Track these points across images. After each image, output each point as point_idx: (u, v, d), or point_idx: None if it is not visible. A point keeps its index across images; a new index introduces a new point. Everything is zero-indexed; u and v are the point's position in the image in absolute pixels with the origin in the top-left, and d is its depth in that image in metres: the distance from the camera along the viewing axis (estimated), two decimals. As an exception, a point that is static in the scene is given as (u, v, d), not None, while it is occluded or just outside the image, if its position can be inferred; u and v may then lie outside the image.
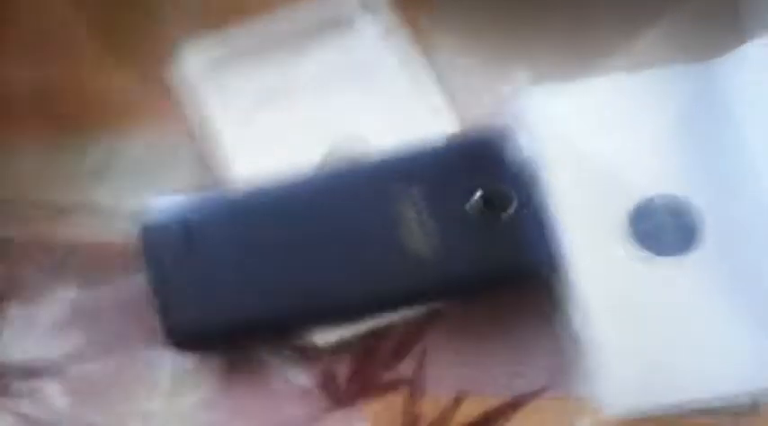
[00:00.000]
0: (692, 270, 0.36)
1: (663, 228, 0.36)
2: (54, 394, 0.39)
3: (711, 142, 0.36)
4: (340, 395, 0.37)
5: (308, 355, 0.38)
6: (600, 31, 0.39)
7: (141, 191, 0.39)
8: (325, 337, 0.37)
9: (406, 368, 0.37)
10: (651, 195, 0.36)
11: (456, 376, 0.37)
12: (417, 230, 0.35)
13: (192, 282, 0.36)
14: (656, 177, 0.37)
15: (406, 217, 0.35)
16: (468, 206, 0.35)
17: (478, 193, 0.35)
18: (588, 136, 0.37)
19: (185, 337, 0.36)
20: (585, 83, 0.38)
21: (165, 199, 0.37)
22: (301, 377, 0.38)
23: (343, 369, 0.38)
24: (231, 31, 0.40)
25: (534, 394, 0.37)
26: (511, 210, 0.35)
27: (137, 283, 0.38)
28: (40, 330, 0.39)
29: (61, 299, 0.39)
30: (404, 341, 0.38)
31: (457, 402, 0.37)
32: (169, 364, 0.39)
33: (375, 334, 0.37)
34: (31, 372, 0.39)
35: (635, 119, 0.37)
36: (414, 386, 0.37)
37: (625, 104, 0.37)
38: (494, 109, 0.39)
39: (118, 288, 0.39)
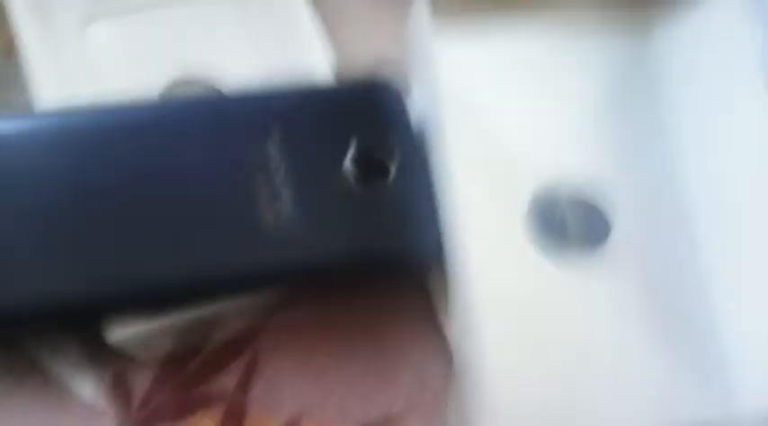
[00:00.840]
0: (599, 277, 0.29)
1: (568, 224, 0.30)
2: None
3: (636, 124, 0.31)
4: (134, 414, 0.29)
5: (97, 357, 0.29)
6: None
7: None
8: (120, 331, 0.27)
9: (227, 380, 0.29)
10: (558, 181, 0.30)
11: (292, 393, 0.29)
12: (266, 191, 0.27)
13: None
14: (566, 159, 0.30)
15: (255, 174, 0.27)
16: (337, 168, 0.27)
17: (352, 152, 0.27)
18: (496, 97, 0.30)
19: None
20: (499, 26, 0.30)
21: None
22: (85, 388, 0.29)
23: (141, 378, 0.29)
24: None
25: (389, 422, 0.29)
26: (391, 178, 0.27)
27: None
28: None
29: None
30: (229, 344, 0.30)
31: (289, 429, 0.29)
32: None
33: (190, 331, 0.29)
34: None
35: (552, 86, 0.31)
36: (234, 405, 0.29)
37: (544, 64, 0.31)
38: (382, 49, 0.32)
39: None
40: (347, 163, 0.27)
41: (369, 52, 0.32)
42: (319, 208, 0.27)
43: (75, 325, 0.28)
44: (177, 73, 0.31)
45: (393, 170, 0.27)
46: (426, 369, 0.30)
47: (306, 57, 0.31)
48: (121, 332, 0.27)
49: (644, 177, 0.30)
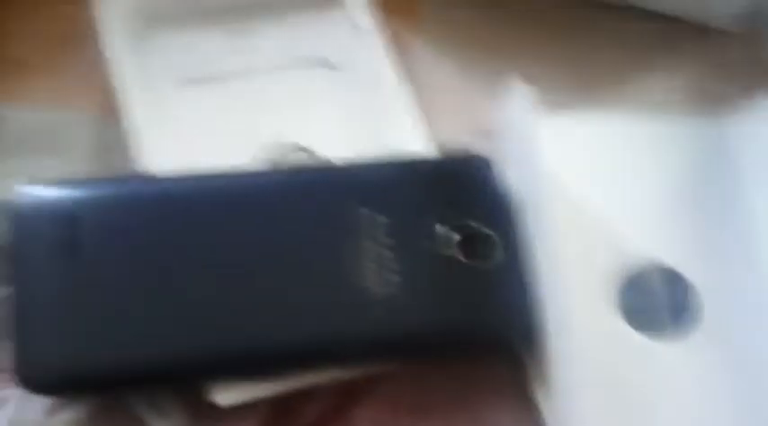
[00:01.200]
0: (685, 355, 0.30)
1: (658, 301, 0.30)
2: None
3: (718, 210, 0.32)
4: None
5: (203, 417, 0.29)
6: (608, 56, 0.35)
7: (17, 174, 0.30)
8: (228, 395, 0.28)
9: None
10: (646, 264, 0.30)
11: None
12: (371, 266, 0.28)
13: (69, 303, 0.27)
14: (655, 238, 0.31)
15: (360, 248, 0.28)
16: (437, 242, 0.28)
17: (451, 227, 0.28)
18: (587, 179, 0.31)
19: (45, 377, 0.27)
20: (591, 114, 0.32)
21: (45, 188, 0.28)
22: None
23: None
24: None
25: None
26: (490, 253, 0.29)
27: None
28: None
29: None
30: (327, 411, 0.30)
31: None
32: (11, 411, 0.29)
33: (292, 398, 0.29)
34: None
35: (640, 170, 0.32)
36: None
37: (631, 149, 0.33)
38: (476, 131, 0.33)
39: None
40: (447, 238, 0.28)
41: (458, 124, 0.33)
42: (421, 281, 0.28)
43: (188, 385, 0.29)
44: (268, 139, 0.32)
45: (492, 245, 0.29)
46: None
47: (398, 130, 0.32)
48: (229, 396, 0.28)
49: (727, 261, 0.31)
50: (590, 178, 0.32)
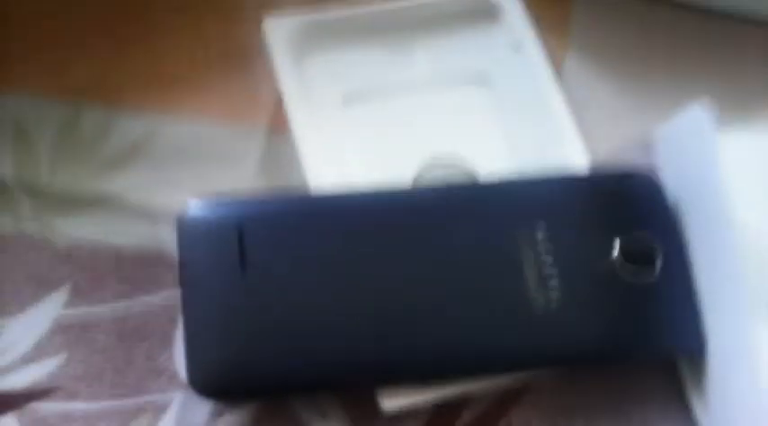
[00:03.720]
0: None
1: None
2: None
3: None
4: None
5: (365, 421, 0.30)
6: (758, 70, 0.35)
7: (181, 188, 0.32)
8: (393, 401, 0.29)
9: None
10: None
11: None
12: (535, 279, 0.28)
13: (238, 312, 0.28)
14: None
15: (524, 261, 0.29)
16: (601, 257, 0.29)
17: (617, 244, 0.29)
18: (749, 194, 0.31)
19: (218, 383, 0.28)
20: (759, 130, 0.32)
21: (214, 201, 0.30)
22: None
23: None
24: (332, 7, 0.34)
25: None
26: (653, 271, 0.29)
27: (156, 303, 0.31)
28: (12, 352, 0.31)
29: (44, 315, 0.31)
30: (481, 417, 0.31)
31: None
32: (177, 412, 0.30)
33: (450, 405, 0.30)
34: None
35: None
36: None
37: None
38: (634, 147, 0.33)
39: (127, 306, 0.31)
40: (613, 254, 0.29)
41: (614, 140, 0.34)
42: (584, 296, 0.28)
43: (355, 390, 0.30)
44: (427, 155, 0.33)
45: (657, 262, 0.29)
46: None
47: (557, 147, 0.32)
48: (392, 401, 0.29)
49: None
50: (750, 194, 0.32)
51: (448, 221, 0.29)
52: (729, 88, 0.35)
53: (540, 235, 0.29)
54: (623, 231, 0.29)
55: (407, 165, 0.32)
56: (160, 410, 0.30)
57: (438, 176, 0.32)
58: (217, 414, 0.30)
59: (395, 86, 0.34)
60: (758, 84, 0.35)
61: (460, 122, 0.34)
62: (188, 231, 0.29)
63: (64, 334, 0.31)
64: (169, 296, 0.31)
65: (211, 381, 0.28)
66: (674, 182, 0.31)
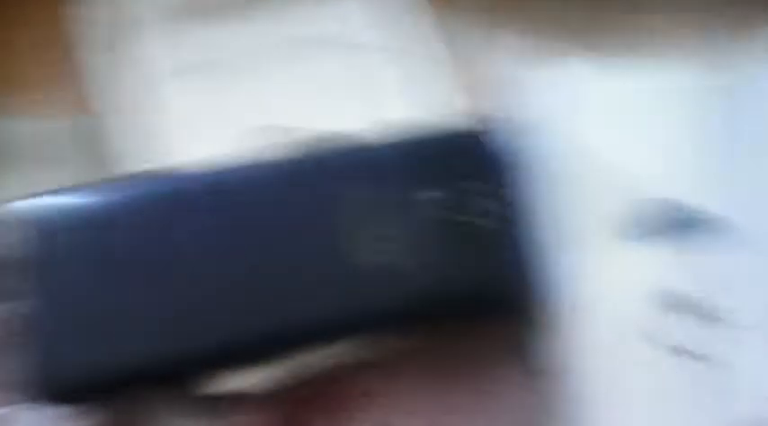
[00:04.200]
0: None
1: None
2: None
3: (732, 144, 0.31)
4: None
5: (223, 406, 0.29)
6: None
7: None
8: (239, 381, 0.28)
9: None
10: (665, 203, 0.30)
11: None
12: (369, 238, 0.28)
13: (66, 313, 0.27)
14: (674, 183, 0.31)
15: (356, 222, 0.28)
16: (433, 211, 0.28)
17: (447, 194, 0.28)
18: (597, 133, 0.31)
19: (62, 386, 0.27)
20: (600, 67, 0.31)
21: (30, 201, 0.28)
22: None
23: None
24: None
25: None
26: (486, 216, 0.28)
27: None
28: None
29: None
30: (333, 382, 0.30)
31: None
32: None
33: (297, 376, 0.29)
34: None
35: (651, 118, 0.32)
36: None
37: (642, 100, 0.32)
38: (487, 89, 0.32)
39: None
40: (443, 204, 0.28)
41: (482, 85, 0.33)
42: (422, 252, 0.28)
43: (201, 379, 0.29)
44: (262, 123, 0.32)
45: (489, 209, 0.29)
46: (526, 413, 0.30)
47: (396, 102, 0.32)
48: (238, 382, 0.28)
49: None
50: (601, 132, 0.31)
51: (277, 194, 0.29)
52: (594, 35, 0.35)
53: (369, 194, 0.28)
54: (456, 184, 0.29)
55: (249, 136, 0.31)
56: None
57: (277, 146, 0.31)
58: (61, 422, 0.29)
59: (235, 56, 0.33)
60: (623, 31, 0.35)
61: (309, 88, 0.33)
62: (27, 230, 0.28)
63: None
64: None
65: (58, 385, 0.27)
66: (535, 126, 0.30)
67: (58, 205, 0.28)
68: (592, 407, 0.28)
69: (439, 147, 0.29)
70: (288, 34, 0.33)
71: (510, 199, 0.29)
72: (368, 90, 0.33)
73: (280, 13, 0.33)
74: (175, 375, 0.28)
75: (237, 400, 0.29)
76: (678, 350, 0.28)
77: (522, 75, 0.30)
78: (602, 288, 0.29)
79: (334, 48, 0.33)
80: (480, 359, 0.30)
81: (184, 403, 0.30)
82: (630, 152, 0.31)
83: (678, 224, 0.30)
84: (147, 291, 0.27)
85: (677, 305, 0.29)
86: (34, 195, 0.28)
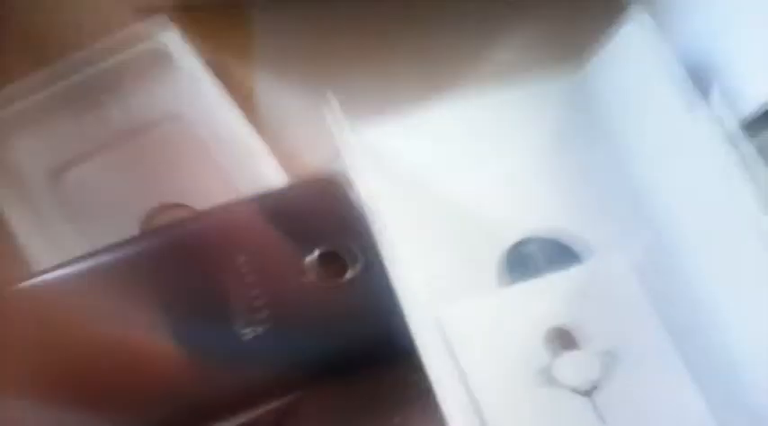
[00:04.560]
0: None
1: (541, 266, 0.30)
2: None
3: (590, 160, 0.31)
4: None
5: None
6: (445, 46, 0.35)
7: None
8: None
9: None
10: (527, 233, 0.30)
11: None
12: (243, 313, 0.28)
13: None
14: (529, 211, 0.31)
15: (231, 298, 0.28)
16: (296, 271, 0.29)
17: (314, 254, 0.29)
18: (438, 168, 0.31)
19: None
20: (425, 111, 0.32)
21: None
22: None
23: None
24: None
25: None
26: (347, 272, 0.29)
27: None
28: None
29: None
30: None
31: None
32: None
33: None
34: None
35: (494, 143, 0.32)
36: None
37: (484, 125, 0.32)
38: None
39: None
40: (311, 265, 0.29)
41: (315, 147, 0.33)
42: (293, 317, 0.28)
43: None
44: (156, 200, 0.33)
45: (354, 264, 0.29)
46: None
47: (252, 170, 0.33)
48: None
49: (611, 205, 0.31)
50: (439, 168, 0.32)
51: (152, 268, 0.29)
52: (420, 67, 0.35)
53: (237, 261, 0.29)
54: (313, 240, 0.29)
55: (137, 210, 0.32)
56: None
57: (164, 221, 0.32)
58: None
59: (94, 146, 0.34)
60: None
61: (169, 162, 0.34)
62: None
63: None
64: None
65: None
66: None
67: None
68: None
69: (298, 200, 0.30)
70: (140, 115, 0.34)
71: (368, 251, 0.29)
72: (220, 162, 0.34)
73: (127, 97, 0.34)
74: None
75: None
76: (567, 386, 0.28)
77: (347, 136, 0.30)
78: (485, 331, 0.29)
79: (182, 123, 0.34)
80: (380, 404, 0.30)
81: None
82: (482, 190, 0.31)
83: (546, 257, 0.30)
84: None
85: (561, 339, 0.29)
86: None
